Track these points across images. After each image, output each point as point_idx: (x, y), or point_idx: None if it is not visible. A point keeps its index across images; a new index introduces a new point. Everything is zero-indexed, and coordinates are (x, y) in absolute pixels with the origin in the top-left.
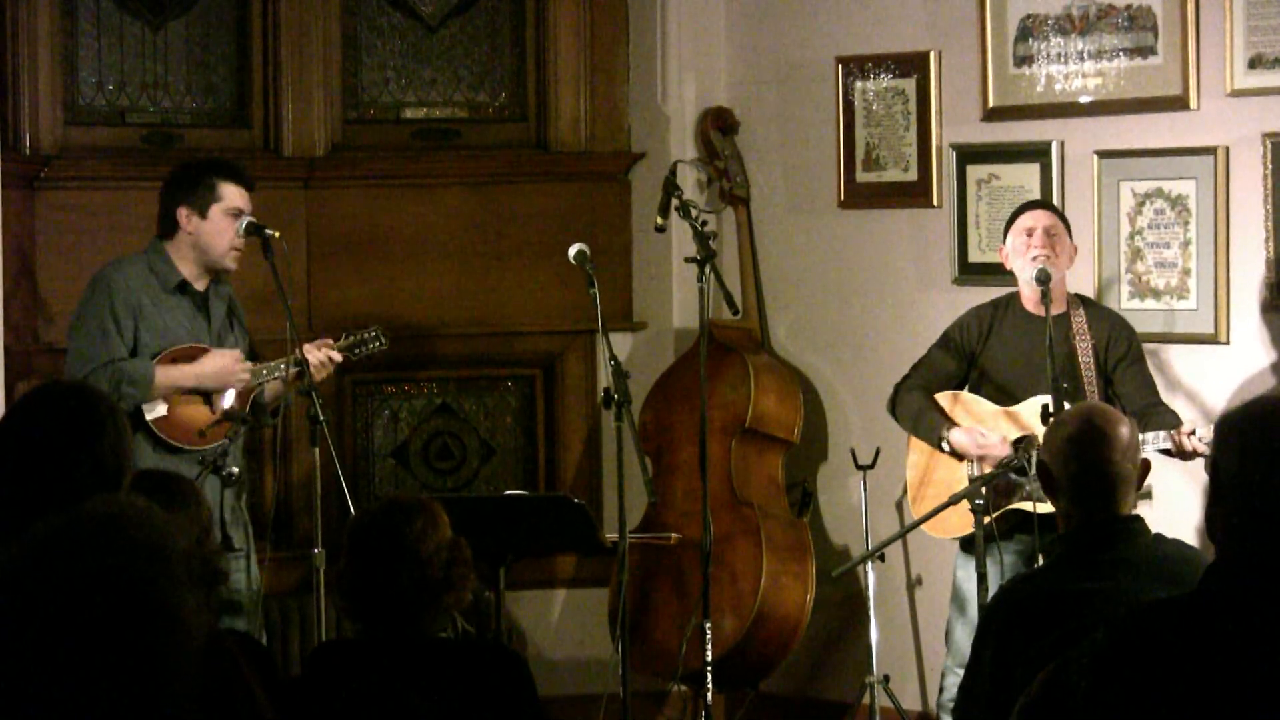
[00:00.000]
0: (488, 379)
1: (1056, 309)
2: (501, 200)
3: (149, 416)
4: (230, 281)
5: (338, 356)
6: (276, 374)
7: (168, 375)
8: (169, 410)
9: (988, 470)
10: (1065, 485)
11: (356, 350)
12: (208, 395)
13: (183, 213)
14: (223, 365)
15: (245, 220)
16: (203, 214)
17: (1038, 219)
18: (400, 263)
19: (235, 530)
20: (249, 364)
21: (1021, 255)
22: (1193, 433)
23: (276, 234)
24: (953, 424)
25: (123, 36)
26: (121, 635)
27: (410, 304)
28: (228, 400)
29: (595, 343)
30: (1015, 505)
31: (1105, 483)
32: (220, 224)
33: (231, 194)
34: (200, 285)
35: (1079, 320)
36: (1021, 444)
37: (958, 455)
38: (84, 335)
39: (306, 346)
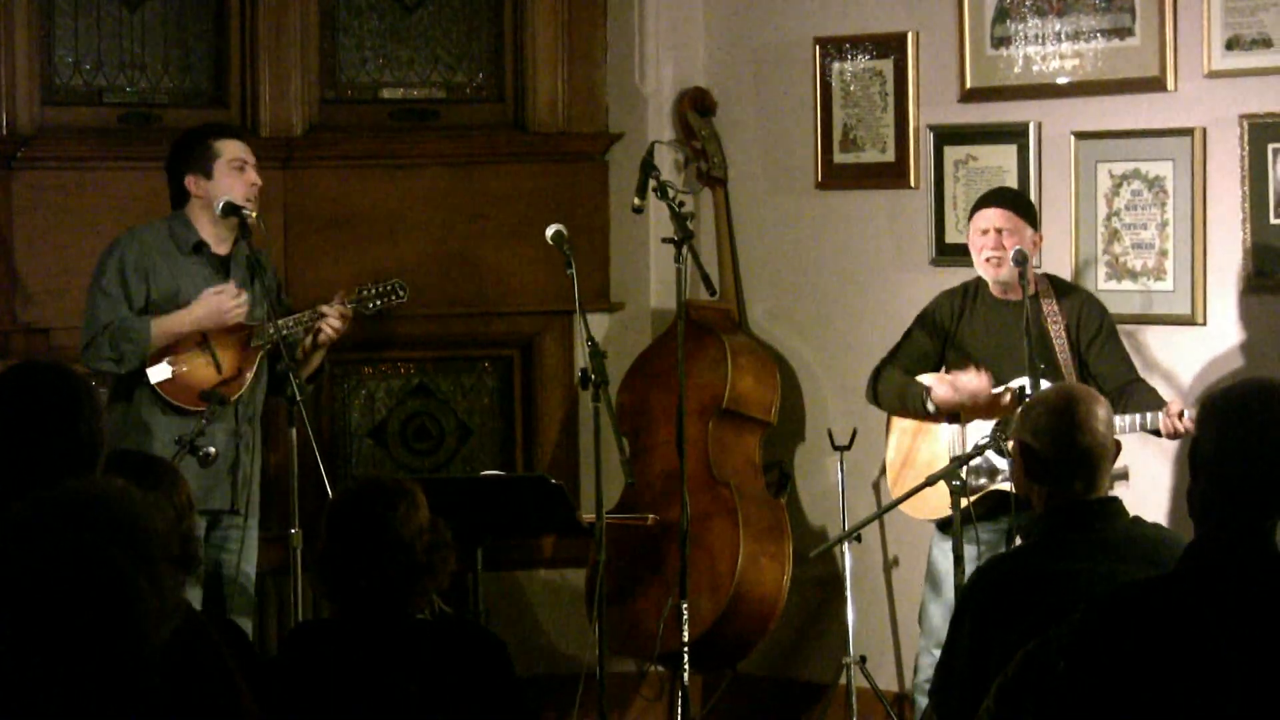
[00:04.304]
0: (465, 359)
1: (1027, 291)
2: (479, 180)
3: (154, 380)
4: (258, 233)
5: (344, 311)
6: (287, 330)
7: (163, 325)
8: (175, 373)
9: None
10: (1050, 463)
11: (370, 305)
12: (215, 359)
13: (190, 180)
14: (215, 303)
15: (223, 200)
16: (208, 175)
17: (991, 219)
18: (378, 243)
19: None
20: (244, 297)
21: (977, 253)
22: (1181, 414)
23: (254, 215)
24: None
25: (100, 16)
26: (95, 615)
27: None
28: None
29: (573, 323)
30: (996, 487)
31: (1090, 459)
32: (227, 179)
33: (230, 147)
34: (222, 249)
35: (1049, 302)
36: (1001, 426)
37: (949, 418)
38: (90, 302)
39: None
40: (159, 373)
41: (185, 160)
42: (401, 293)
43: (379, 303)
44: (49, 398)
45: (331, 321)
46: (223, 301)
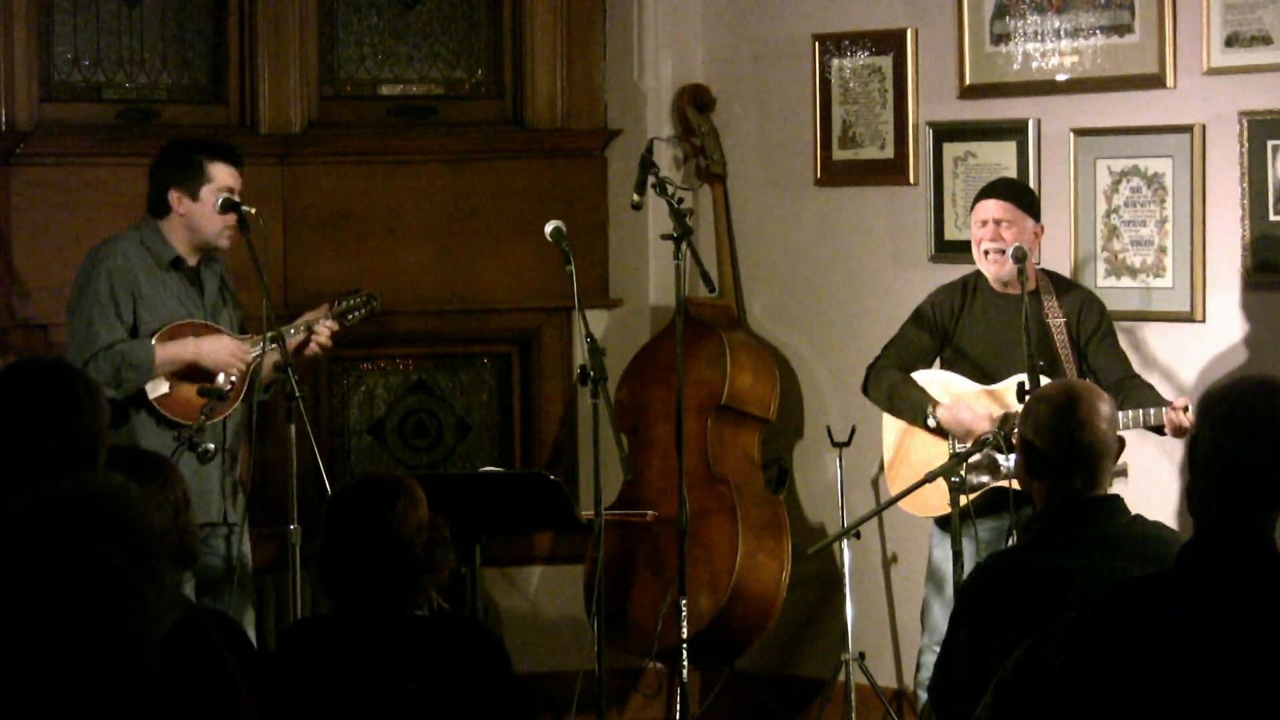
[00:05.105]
0: (464, 356)
1: (1027, 287)
2: (478, 177)
3: (152, 395)
4: (222, 257)
5: (334, 325)
6: (268, 348)
7: (168, 352)
8: (170, 388)
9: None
10: (1050, 459)
11: (350, 316)
12: (209, 373)
13: (174, 195)
14: (225, 348)
15: (222, 197)
16: (194, 196)
17: (989, 211)
18: (377, 239)
19: (229, 502)
20: (249, 352)
21: (976, 246)
22: (1186, 409)
23: (253, 211)
24: (936, 401)
25: (98, 12)
26: (93, 613)
27: (386, 281)
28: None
29: (571, 320)
30: (996, 484)
31: (1091, 456)
32: (210, 209)
33: (222, 174)
34: (192, 261)
35: (1049, 297)
36: (1002, 422)
37: (943, 433)
38: (83, 319)
39: (313, 323)
40: (156, 388)
41: (175, 175)
42: (375, 303)
43: (360, 313)
44: (49, 395)
45: (321, 339)
46: (233, 349)
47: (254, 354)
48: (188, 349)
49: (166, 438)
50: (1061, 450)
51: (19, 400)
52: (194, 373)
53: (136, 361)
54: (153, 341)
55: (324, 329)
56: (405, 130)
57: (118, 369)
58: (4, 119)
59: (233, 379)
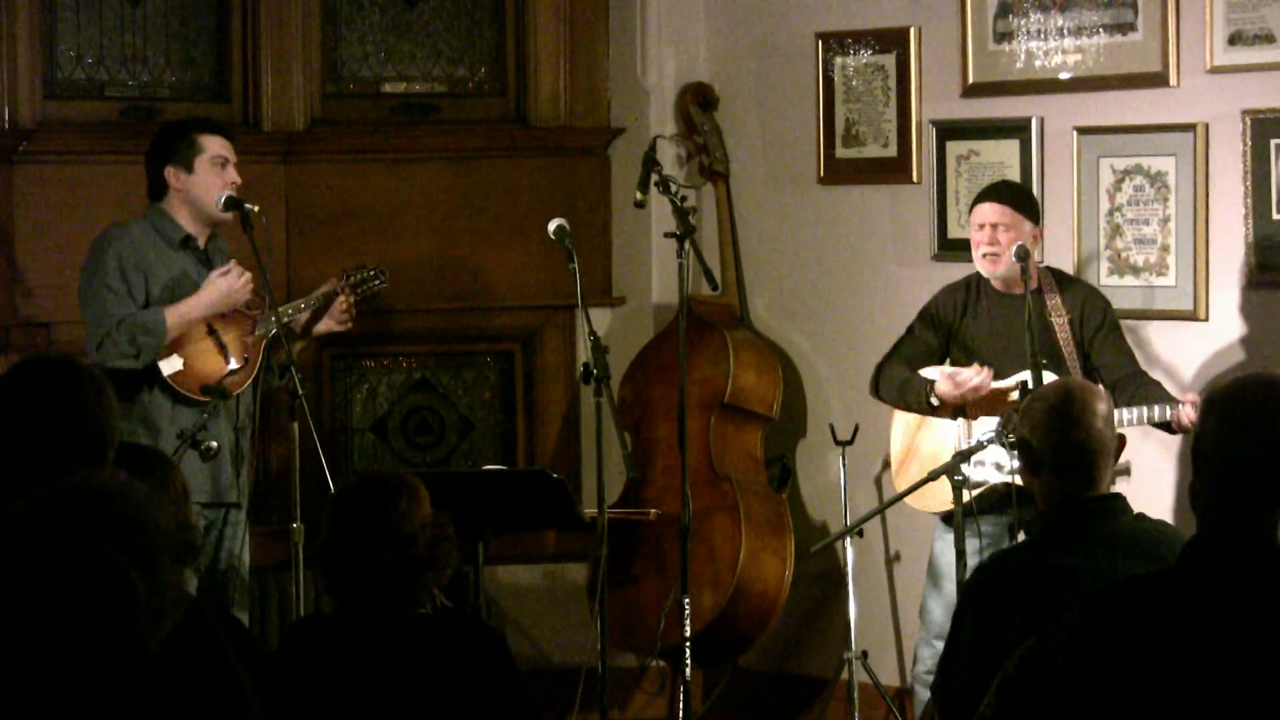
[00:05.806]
0: (466, 354)
1: (1029, 286)
2: (481, 175)
3: (166, 372)
4: (224, 235)
5: (351, 297)
6: (288, 317)
7: (177, 313)
8: (185, 364)
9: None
10: (1047, 459)
11: (360, 289)
12: (223, 348)
13: (169, 171)
14: (227, 285)
15: (225, 195)
16: (189, 169)
17: (985, 215)
18: (379, 237)
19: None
20: (249, 275)
21: (974, 248)
22: (1194, 404)
23: (256, 208)
24: (933, 380)
25: (101, 10)
26: (94, 612)
27: (389, 278)
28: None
29: (574, 318)
30: (999, 481)
31: (1087, 455)
32: (207, 176)
33: (213, 144)
34: (201, 241)
35: (1052, 295)
36: (1005, 420)
37: (953, 412)
38: (95, 299)
39: (326, 295)
40: (171, 364)
41: (167, 152)
42: (384, 277)
43: (374, 284)
44: (56, 393)
45: (341, 309)
46: (231, 282)
47: (247, 276)
48: (194, 305)
49: (181, 415)
50: (1058, 450)
51: (26, 398)
52: (213, 348)
53: (149, 327)
54: (161, 308)
55: (343, 301)
56: (408, 128)
57: (133, 338)
58: (7, 117)
59: (247, 354)
